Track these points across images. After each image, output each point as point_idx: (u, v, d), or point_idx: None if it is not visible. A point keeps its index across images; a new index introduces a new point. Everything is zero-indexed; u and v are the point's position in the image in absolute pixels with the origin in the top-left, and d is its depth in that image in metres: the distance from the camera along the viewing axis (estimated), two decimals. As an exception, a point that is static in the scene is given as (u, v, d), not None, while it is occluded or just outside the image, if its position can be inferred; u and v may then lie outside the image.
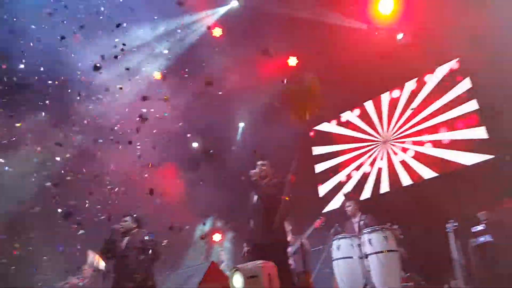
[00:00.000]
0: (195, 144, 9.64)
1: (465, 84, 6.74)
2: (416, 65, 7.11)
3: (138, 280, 5.11)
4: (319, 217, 6.56)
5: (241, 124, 9.19)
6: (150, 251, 5.21)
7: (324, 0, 7.28)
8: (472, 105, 6.60)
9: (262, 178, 4.83)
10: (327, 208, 8.15)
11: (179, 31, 7.62)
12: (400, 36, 7.19)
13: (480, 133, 6.40)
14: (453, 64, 6.98)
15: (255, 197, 4.85)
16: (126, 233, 5.45)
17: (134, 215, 5.68)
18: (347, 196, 6.81)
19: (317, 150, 8.80)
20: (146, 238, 5.39)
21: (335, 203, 8.05)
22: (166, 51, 8.01)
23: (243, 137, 9.00)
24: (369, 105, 8.13)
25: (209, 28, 7.82)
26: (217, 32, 7.91)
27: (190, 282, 3.58)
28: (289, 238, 6.15)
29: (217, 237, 9.66)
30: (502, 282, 4.11)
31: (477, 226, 5.07)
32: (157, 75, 8.35)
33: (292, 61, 8.30)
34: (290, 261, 6.00)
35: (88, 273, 6.97)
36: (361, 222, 5.75)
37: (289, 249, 6.05)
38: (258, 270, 2.92)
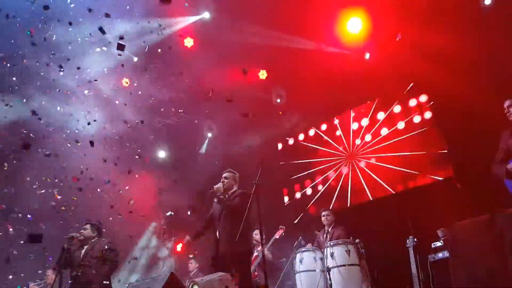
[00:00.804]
0: (161, 154, 9.51)
1: (429, 104, 6.97)
2: (382, 84, 7.32)
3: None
4: (279, 227, 6.57)
5: (209, 135, 9.14)
6: (109, 260, 5.07)
7: (291, 27, 7.35)
8: (434, 125, 6.82)
9: (226, 191, 4.82)
10: (295, 220, 8.16)
11: (148, 35, 7.51)
12: (367, 55, 7.39)
13: (441, 151, 6.61)
14: (420, 96, 7.18)
15: (220, 208, 4.82)
16: (85, 242, 5.28)
17: (94, 223, 5.52)
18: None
19: (284, 163, 8.84)
20: (106, 247, 5.24)
21: (300, 215, 8.08)
22: (135, 59, 7.89)
23: (209, 147, 8.93)
24: (336, 121, 8.27)
25: (180, 36, 7.77)
26: (189, 42, 7.87)
27: (148, 293, 3.49)
28: (256, 249, 6.15)
29: (180, 247, 9.48)
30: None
31: (436, 242, 5.22)
32: (125, 82, 8.22)
33: (262, 74, 8.35)
34: (255, 273, 5.98)
35: (51, 279, 6.74)
36: (327, 235, 5.79)
37: (255, 261, 6.05)
38: (214, 283, 2.88)
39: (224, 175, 4.97)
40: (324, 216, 6.16)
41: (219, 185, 4.77)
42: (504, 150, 4.07)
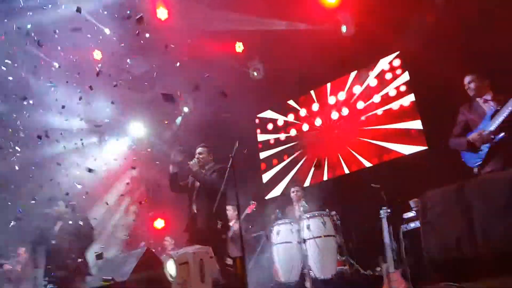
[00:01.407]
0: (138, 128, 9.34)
1: (404, 78, 7.03)
2: (359, 57, 7.30)
3: (71, 266, 4.92)
4: (250, 202, 6.61)
5: (185, 109, 9.00)
6: (84, 236, 5.05)
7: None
8: (409, 98, 6.90)
9: (202, 167, 4.79)
10: (270, 195, 8.23)
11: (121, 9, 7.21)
12: (344, 28, 7.32)
13: (416, 125, 6.71)
14: (393, 58, 7.23)
15: (197, 184, 4.80)
16: (59, 218, 5.22)
17: (69, 200, 5.45)
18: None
19: (261, 137, 8.84)
20: (81, 223, 5.19)
21: (277, 190, 8.14)
22: (107, 31, 7.59)
23: (184, 121, 8.80)
24: (313, 95, 8.26)
25: (153, 7, 7.50)
26: (163, 13, 7.61)
27: (123, 268, 3.46)
28: (231, 223, 6.18)
29: (159, 223, 9.48)
30: (425, 265, 4.37)
31: (408, 213, 5.35)
32: (97, 55, 7.95)
33: (239, 47, 8.20)
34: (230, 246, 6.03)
35: (22, 258, 6.64)
36: (302, 208, 5.85)
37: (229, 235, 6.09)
38: (189, 257, 2.89)
39: (198, 150, 4.92)
40: (293, 192, 6.24)
41: (194, 161, 4.74)
42: (463, 124, 4.18)
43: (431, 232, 2.15)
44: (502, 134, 3.77)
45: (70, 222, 5.18)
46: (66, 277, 4.88)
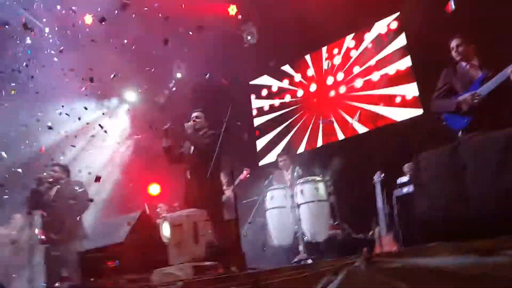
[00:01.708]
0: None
1: (401, 41, 6.92)
2: (355, 19, 7.15)
3: (67, 230, 4.98)
4: (244, 168, 6.62)
5: (178, 75, 8.86)
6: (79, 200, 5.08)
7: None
8: (406, 63, 6.82)
9: (197, 131, 4.77)
10: (264, 161, 8.25)
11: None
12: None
13: (412, 89, 6.66)
14: (391, 20, 7.09)
15: (191, 148, 4.80)
16: (54, 183, 5.23)
17: (64, 164, 5.44)
18: None
19: (256, 103, 8.77)
20: (76, 188, 5.21)
21: (271, 157, 8.16)
22: None
23: (178, 85, 8.66)
24: (308, 60, 8.14)
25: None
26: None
27: (118, 231, 3.50)
28: (224, 188, 6.22)
29: (154, 189, 9.50)
30: (417, 228, 4.45)
31: (402, 178, 5.39)
32: (88, 19, 7.74)
33: (232, 10, 7.99)
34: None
35: (18, 222, 6.69)
36: (295, 174, 5.88)
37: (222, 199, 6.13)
38: (183, 219, 2.93)
39: (195, 114, 4.90)
40: (280, 161, 6.26)
41: (190, 123, 4.72)
42: (447, 87, 4.15)
43: (424, 194, 2.16)
44: (496, 99, 3.78)
45: (66, 186, 5.19)
46: (62, 240, 4.92)
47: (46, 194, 5.19)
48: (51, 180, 5.22)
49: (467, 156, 2.01)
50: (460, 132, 4.01)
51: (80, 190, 5.18)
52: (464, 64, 4.09)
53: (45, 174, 5.23)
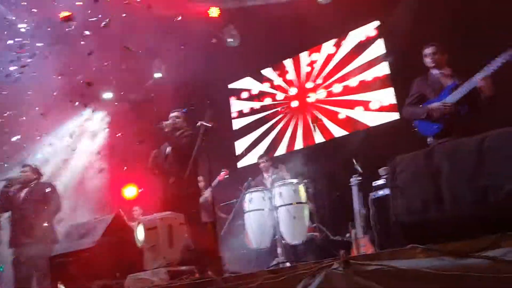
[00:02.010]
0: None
1: (380, 48, 7.01)
2: (336, 26, 7.22)
3: (37, 233, 4.82)
4: (222, 169, 6.58)
5: (158, 75, 8.75)
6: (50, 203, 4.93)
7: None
8: (383, 68, 6.92)
9: (176, 130, 4.70)
10: (242, 164, 8.22)
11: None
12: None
13: (389, 95, 6.76)
14: (369, 27, 7.18)
15: (168, 149, 4.73)
16: (24, 184, 5.06)
17: (34, 165, 5.27)
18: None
19: (235, 105, 8.74)
20: (48, 190, 5.06)
21: (250, 159, 8.13)
22: None
23: (157, 87, 8.56)
24: (288, 64, 8.17)
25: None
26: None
27: (90, 235, 3.40)
28: (202, 191, 6.16)
29: (130, 192, 9.33)
30: (392, 230, 4.51)
31: (378, 181, 5.45)
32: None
33: (214, 12, 7.94)
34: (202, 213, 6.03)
35: None
36: (273, 176, 5.88)
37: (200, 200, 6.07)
38: (157, 222, 2.88)
39: (174, 114, 4.82)
40: (262, 162, 6.25)
41: (169, 122, 4.65)
42: (418, 95, 4.23)
43: (400, 196, 2.16)
44: (466, 106, 3.86)
45: (34, 190, 5.02)
46: (31, 243, 4.77)
47: (16, 195, 5.02)
48: (21, 181, 5.05)
49: (441, 160, 2.02)
50: (429, 138, 4.08)
51: (52, 192, 5.02)
52: (435, 71, 4.17)
53: (15, 175, 5.06)
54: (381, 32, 7.04)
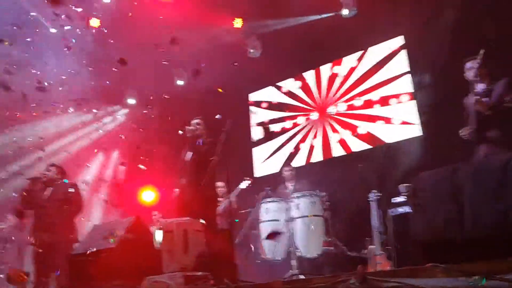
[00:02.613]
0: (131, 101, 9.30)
1: (403, 62, 6.98)
2: (358, 39, 7.23)
3: (58, 232, 4.92)
4: (245, 178, 6.59)
5: (180, 82, 8.90)
6: (73, 202, 5.03)
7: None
8: (406, 83, 6.88)
9: (197, 137, 4.76)
10: (261, 173, 8.23)
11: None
12: (345, 11, 7.25)
13: (411, 110, 6.71)
14: (393, 41, 7.17)
15: (189, 155, 4.78)
16: (49, 184, 5.18)
17: (58, 165, 5.40)
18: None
19: (254, 116, 8.77)
20: (71, 190, 5.17)
21: (268, 168, 8.14)
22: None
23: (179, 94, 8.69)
24: (309, 76, 8.19)
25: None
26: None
27: (112, 235, 3.46)
28: (221, 199, 6.20)
29: (148, 196, 9.46)
30: (412, 248, 4.45)
31: (397, 198, 5.38)
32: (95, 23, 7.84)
33: (238, 23, 8.06)
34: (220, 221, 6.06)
35: (11, 221, 6.67)
36: (292, 187, 5.88)
37: (218, 208, 6.10)
38: (173, 226, 2.94)
39: (196, 121, 4.88)
40: (287, 171, 6.24)
41: (191, 127, 4.71)
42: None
43: (421, 214, 2.16)
44: None
45: (59, 189, 5.14)
46: (52, 242, 4.87)
47: (40, 194, 5.14)
48: (45, 180, 5.17)
49: (465, 180, 2.01)
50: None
51: (74, 192, 5.13)
52: (480, 85, 4.16)
53: (39, 174, 5.18)
54: (405, 47, 7.00)
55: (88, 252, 3.50)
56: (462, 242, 1.99)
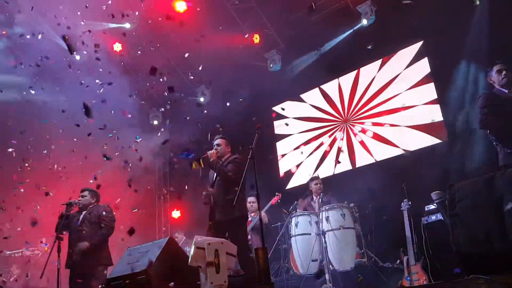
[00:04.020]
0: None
1: (426, 67, 6.91)
2: (379, 46, 7.21)
3: (92, 256, 5.01)
4: (275, 193, 6.58)
5: (201, 99, 9.06)
6: (105, 225, 5.13)
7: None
8: (429, 89, 6.79)
9: (220, 158, 4.76)
10: (289, 186, 8.20)
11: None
12: (365, 21, 7.27)
13: (437, 116, 6.60)
14: (415, 46, 7.10)
15: (214, 175, 4.80)
16: (83, 208, 5.31)
17: (93, 190, 5.52)
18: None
19: (278, 128, 8.78)
20: (104, 213, 5.27)
21: (296, 181, 8.11)
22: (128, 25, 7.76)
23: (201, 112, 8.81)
24: (331, 86, 8.17)
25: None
26: (180, 6, 7.61)
27: (145, 258, 3.50)
28: (253, 214, 6.20)
29: (176, 213, 9.61)
30: (447, 258, 4.36)
31: (430, 205, 5.29)
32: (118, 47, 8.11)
33: (256, 38, 8.17)
34: (249, 237, 6.05)
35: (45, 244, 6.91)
36: (321, 200, 5.84)
37: (248, 226, 6.10)
38: (205, 244, 2.99)
39: (215, 142, 4.86)
40: (316, 184, 6.18)
41: (213, 151, 4.72)
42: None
43: (460, 225, 2.12)
44: None
45: (92, 213, 5.26)
46: (87, 265, 4.95)
47: (75, 218, 5.27)
48: (80, 205, 5.30)
49: (504, 189, 1.97)
50: None
51: (107, 214, 5.23)
52: (504, 90, 4.04)
53: (74, 199, 5.31)
54: (427, 52, 6.93)
55: (123, 274, 3.55)
56: (505, 254, 1.94)
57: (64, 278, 5.02)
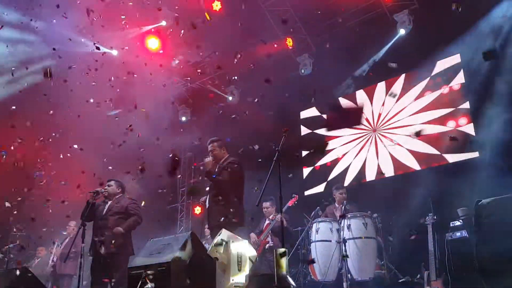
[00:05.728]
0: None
1: (459, 81, 6.77)
2: (413, 57, 7.11)
3: (116, 245, 5.11)
4: (292, 195, 6.56)
5: (229, 98, 9.18)
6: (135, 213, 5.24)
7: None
8: (463, 102, 6.65)
9: (217, 162, 4.77)
10: (310, 191, 8.16)
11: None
12: (402, 31, 7.20)
13: (468, 130, 6.45)
14: (449, 60, 6.97)
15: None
16: (109, 197, 5.43)
17: (118, 180, 5.65)
18: None
19: (305, 134, 8.75)
20: (129, 204, 5.38)
21: (318, 187, 8.07)
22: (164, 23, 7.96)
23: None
24: (361, 94, 8.10)
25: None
26: (217, 6, 7.72)
27: (167, 250, 3.58)
28: (271, 216, 6.21)
29: (198, 210, 9.72)
30: (470, 276, 4.24)
31: (455, 221, 5.16)
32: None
33: (289, 42, 8.19)
34: (268, 239, 6.07)
35: (71, 230, 7.40)
36: (343, 208, 5.79)
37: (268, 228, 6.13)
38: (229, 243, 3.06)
39: (209, 149, 4.85)
40: (340, 193, 6.12)
41: (209, 158, 4.73)
42: None
43: (485, 242, 2.08)
44: None
45: (118, 203, 5.37)
46: (110, 254, 5.07)
47: (100, 207, 5.39)
48: (106, 194, 5.42)
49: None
50: None
51: (133, 206, 5.33)
52: None
53: (101, 188, 5.43)
54: (462, 65, 6.80)
55: (144, 264, 3.63)
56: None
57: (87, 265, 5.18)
